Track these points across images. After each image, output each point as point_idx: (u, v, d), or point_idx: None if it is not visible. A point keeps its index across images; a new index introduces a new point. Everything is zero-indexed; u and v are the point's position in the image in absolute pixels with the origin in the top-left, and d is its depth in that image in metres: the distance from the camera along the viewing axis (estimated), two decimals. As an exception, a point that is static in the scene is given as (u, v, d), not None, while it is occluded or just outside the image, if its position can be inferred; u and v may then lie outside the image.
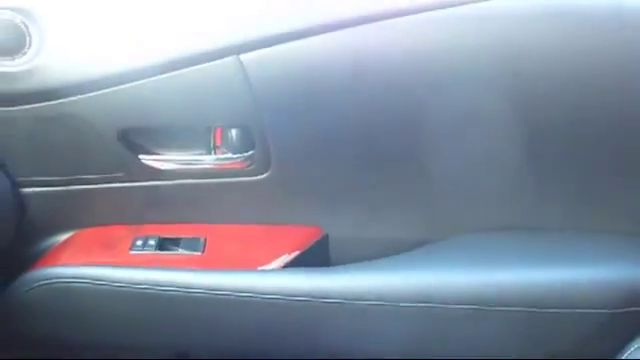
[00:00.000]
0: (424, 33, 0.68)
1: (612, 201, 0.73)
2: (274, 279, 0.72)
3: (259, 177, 0.76)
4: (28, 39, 0.69)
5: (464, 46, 0.67)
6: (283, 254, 0.76)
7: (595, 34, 0.66)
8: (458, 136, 0.72)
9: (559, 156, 0.71)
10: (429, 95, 0.70)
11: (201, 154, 0.76)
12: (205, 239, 0.77)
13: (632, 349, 0.57)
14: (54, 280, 0.72)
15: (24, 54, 0.70)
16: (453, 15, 0.67)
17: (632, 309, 0.64)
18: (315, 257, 0.78)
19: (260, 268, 0.75)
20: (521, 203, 0.75)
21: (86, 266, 0.72)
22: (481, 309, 0.67)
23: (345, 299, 0.69)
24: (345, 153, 0.74)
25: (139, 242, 0.76)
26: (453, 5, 0.67)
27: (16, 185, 0.76)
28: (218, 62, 0.69)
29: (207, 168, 0.76)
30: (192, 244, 0.76)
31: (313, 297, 0.70)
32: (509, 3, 0.67)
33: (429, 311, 0.68)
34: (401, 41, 0.68)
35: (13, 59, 0.69)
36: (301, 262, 0.76)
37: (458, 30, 0.67)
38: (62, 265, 0.74)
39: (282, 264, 0.76)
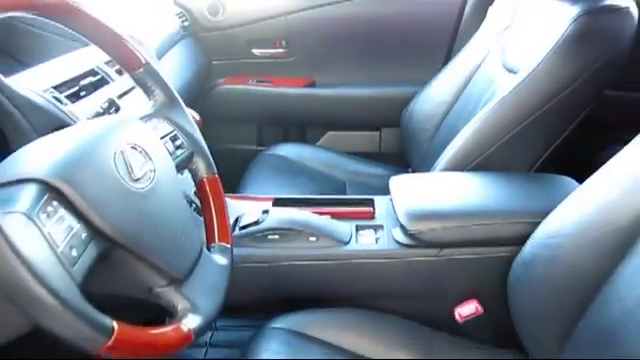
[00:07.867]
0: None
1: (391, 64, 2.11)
2: (295, 89, 2.15)
3: (290, 59, 2.17)
4: (221, 8, 2.14)
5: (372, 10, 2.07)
6: (298, 85, 2.17)
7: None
8: (372, 38, 2.11)
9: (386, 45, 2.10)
10: (365, 23, 2.09)
11: (271, 49, 2.18)
12: (272, 80, 2.19)
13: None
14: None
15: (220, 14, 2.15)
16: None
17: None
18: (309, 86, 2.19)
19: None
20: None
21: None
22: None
23: (323, 95, 2.12)
24: (326, 49, 2.13)
25: (250, 81, 2.20)
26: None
27: (211, 61, 2.21)
28: (277, 19, 2.11)
29: (273, 54, 2.18)
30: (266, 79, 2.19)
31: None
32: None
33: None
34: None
35: (215, 16, 2.15)
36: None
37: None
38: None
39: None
